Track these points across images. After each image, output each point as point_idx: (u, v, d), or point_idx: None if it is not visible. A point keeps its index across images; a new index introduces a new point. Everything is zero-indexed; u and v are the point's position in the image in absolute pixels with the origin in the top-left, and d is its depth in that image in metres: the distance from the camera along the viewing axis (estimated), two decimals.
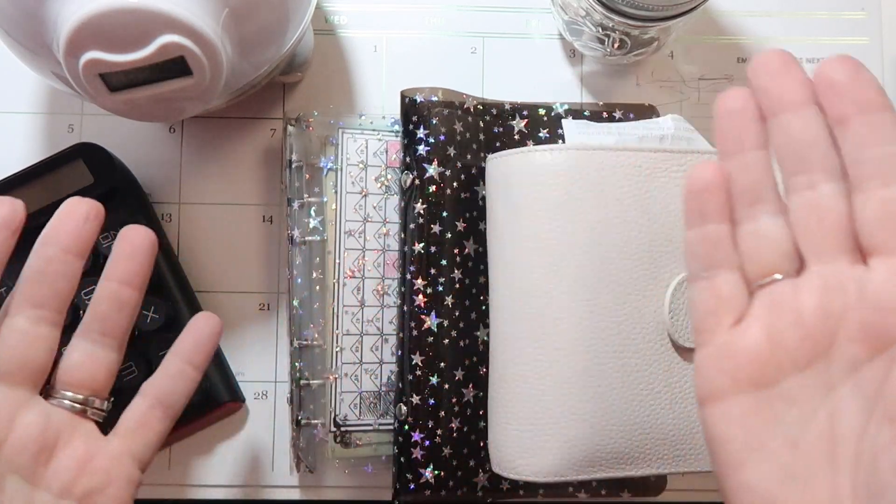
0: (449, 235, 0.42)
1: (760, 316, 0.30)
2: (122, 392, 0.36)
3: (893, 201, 0.28)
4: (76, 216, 0.34)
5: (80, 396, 0.34)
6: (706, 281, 0.31)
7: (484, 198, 0.43)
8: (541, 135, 0.45)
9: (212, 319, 0.38)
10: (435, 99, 0.43)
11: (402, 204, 0.44)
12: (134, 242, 0.35)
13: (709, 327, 0.31)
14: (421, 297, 0.42)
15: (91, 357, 0.34)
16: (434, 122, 0.43)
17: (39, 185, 0.43)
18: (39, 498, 0.33)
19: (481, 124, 0.44)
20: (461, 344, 0.42)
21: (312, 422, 0.43)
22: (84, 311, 0.44)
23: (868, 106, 0.28)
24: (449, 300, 0.42)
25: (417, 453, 0.41)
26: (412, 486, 0.41)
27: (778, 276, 0.30)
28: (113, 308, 0.35)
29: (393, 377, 0.44)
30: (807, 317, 0.29)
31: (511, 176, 0.40)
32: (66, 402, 0.34)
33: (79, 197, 0.35)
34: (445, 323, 0.42)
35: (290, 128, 0.44)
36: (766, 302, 0.30)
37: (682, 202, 0.32)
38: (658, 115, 0.46)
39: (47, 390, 0.34)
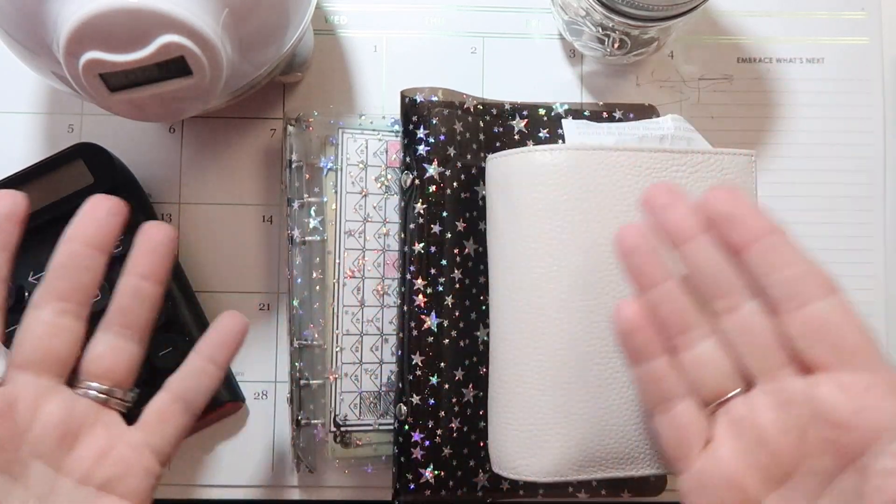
0: (449, 235, 0.42)
1: (725, 438, 0.32)
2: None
3: (814, 319, 0.30)
4: (99, 212, 0.35)
5: (104, 387, 0.35)
6: (665, 414, 0.33)
7: (484, 198, 0.43)
8: (541, 135, 0.45)
9: (237, 318, 0.38)
10: (435, 99, 0.43)
11: (402, 204, 0.44)
12: (155, 238, 0.36)
13: (682, 456, 0.32)
14: (421, 297, 0.42)
15: (113, 349, 0.35)
16: (434, 122, 0.43)
17: (39, 185, 0.43)
18: (62, 484, 0.33)
19: (481, 124, 0.44)
20: (461, 344, 0.42)
21: (312, 422, 0.43)
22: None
23: (759, 233, 0.30)
24: (449, 300, 0.42)
25: (417, 453, 0.41)
26: (412, 486, 0.41)
27: (729, 395, 0.32)
28: (134, 302, 0.35)
29: (393, 377, 0.44)
30: (769, 434, 0.31)
31: (511, 176, 0.40)
32: (91, 392, 0.35)
33: (102, 194, 0.35)
34: (445, 323, 0.42)
35: (290, 128, 0.44)
36: (726, 423, 0.32)
37: (618, 343, 0.33)
38: (658, 115, 0.46)
39: (72, 380, 0.35)
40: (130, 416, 0.36)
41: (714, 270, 0.31)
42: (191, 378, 0.37)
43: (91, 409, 0.35)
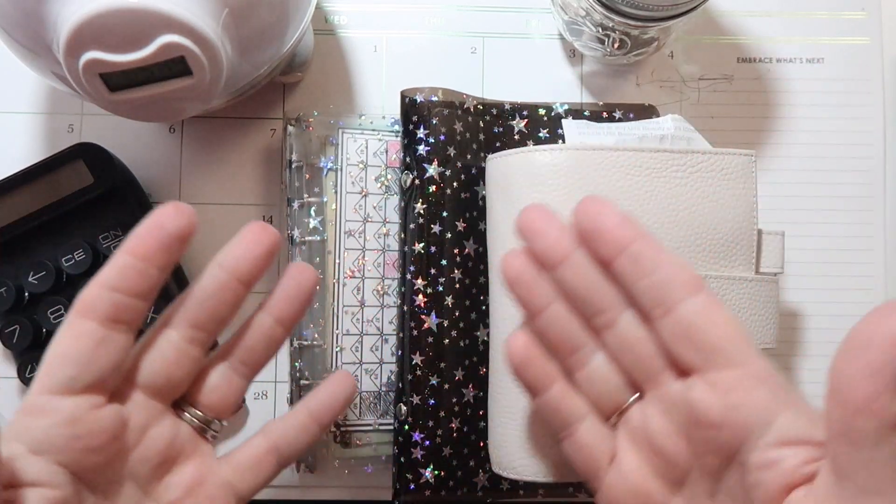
0: (449, 235, 0.42)
1: (626, 449, 0.33)
2: None
3: (680, 322, 0.30)
4: (260, 248, 0.33)
5: (207, 417, 0.34)
6: (569, 438, 0.34)
7: (484, 198, 0.43)
8: (541, 135, 0.45)
9: (350, 381, 0.37)
10: (435, 99, 0.43)
11: (402, 204, 0.44)
12: (302, 286, 0.34)
13: (591, 474, 0.33)
14: (421, 297, 0.42)
15: (228, 382, 0.34)
16: (434, 122, 0.43)
17: (39, 185, 0.43)
18: None
19: (481, 124, 0.44)
20: (461, 344, 0.42)
21: None
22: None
23: (623, 243, 0.31)
24: (449, 300, 0.42)
25: (417, 453, 0.41)
26: (412, 486, 0.41)
27: (627, 403, 0.33)
28: (262, 342, 0.34)
29: (393, 377, 0.44)
30: (660, 440, 0.31)
31: (511, 176, 0.40)
32: (194, 420, 0.34)
33: (264, 225, 0.33)
34: (445, 323, 0.42)
35: (290, 128, 0.44)
36: (626, 434, 0.33)
37: (514, 378, 0.34)
38: (658, 115, 0.46)
39: (177, 403, 0.34)
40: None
41: (587, 289, 0.32)
42: (293, 432, 0.36)
43: (190, 437, 0.34)
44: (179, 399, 0.34)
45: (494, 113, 0.45)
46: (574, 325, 0.33)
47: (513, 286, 0.33)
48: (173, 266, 0.32)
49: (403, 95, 0.44)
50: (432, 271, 0.42)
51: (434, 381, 0.41)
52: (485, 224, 0.43)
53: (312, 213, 0.44)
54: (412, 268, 0.42)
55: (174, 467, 0.33)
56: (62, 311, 0.43)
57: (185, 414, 0.34)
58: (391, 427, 0.43)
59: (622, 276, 0.31)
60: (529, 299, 0.33)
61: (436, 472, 0.41)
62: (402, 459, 0.41)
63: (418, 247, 0.42)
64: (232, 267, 0.33)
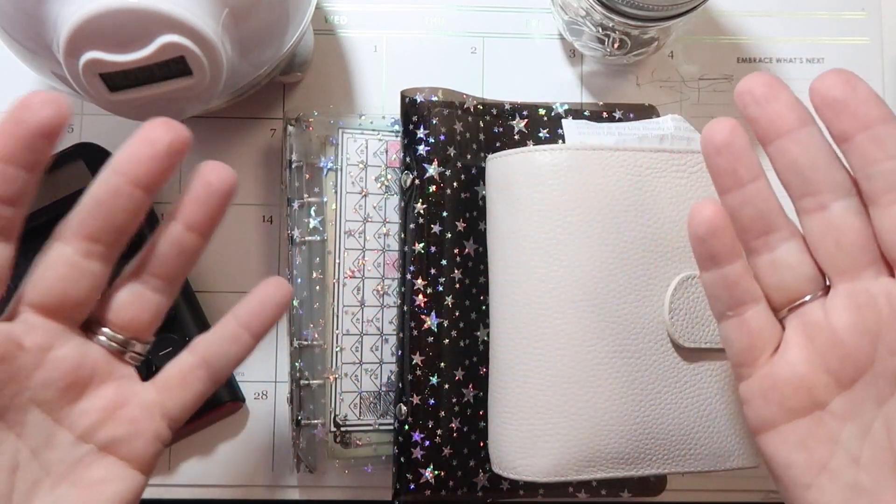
0: (449, 235, 0.42)
1: (796, 341, 0.31)
2: None
3: None
4: (156, 146, 0.29)
5: (121, 337, 0.32)
6: (734, 319, 0.31)
7: (484, 198, 0.43)
8: (541, 135, 0.45)
9: (282, 287, 0.34)
10: (435, 99, 0.43)
11: (402, 204, 0.44)
12: (211, 186, 0.31)
13: (747, 361, 0.31)
14: (421, 297, 0.42)
15: (140, 298, 0.32)
16: (434, 122, 0.43)
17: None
18: (60, 437, 0.31)
19: (481, 124, 0.45)
20: (461, 344, 0.42)
21: (312, 422, 0.43)
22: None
23: (869, 121, 0.28)
24: (449, 300, 0.42)
25: (417, 453, 0.41)
26: (412, 486, 0.41)
27: (805, 298, 0.31)
28: (173, 252, 0.31)
29: (393, 377, 0.44)
30: (842, 335, 0.29)
31: (511, 176, 0.40)
32: (108, 341, 0.32)
33: (164, 121, 0.30)
34: (445, 323, 0.42)
35: (290, 128, 0.44)
36: (798, 326, 0.31)
37: (691, 246, 0.31)
38: (658, 115, 0.46)
39: (88, 325, 0.32)
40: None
41: (807, 166, 0.29)
42: (221, 343, 0.33)
43: (105, 360, 0.32)
44: (91, 321, 0.32)
45: (494, 113, 0.45)
46: (774, 205, 0.30)
47: (717, 153, 0.30)
48: (44, 165, 0.29)
49: (403, 95, 0.44)
50: (432, 271, 0.42)
51: (434, 381, 0.41)
52: (485, 224, 0.43)
53: (312, 213, 0.44)
54: (412, 268, 0.42)
55: (87, 391, 0.31)
56: None
57: (98, 336, 0.32)
58: (391, 427, 0.43)
59: (859, 155, 0.28)
60: (734, 169, 0.30)
61: (436, 472, 0.41)
62: (402, 459, 0.41)
63: (418, 247, 0.42)
64: (125, 169, 0.30)
